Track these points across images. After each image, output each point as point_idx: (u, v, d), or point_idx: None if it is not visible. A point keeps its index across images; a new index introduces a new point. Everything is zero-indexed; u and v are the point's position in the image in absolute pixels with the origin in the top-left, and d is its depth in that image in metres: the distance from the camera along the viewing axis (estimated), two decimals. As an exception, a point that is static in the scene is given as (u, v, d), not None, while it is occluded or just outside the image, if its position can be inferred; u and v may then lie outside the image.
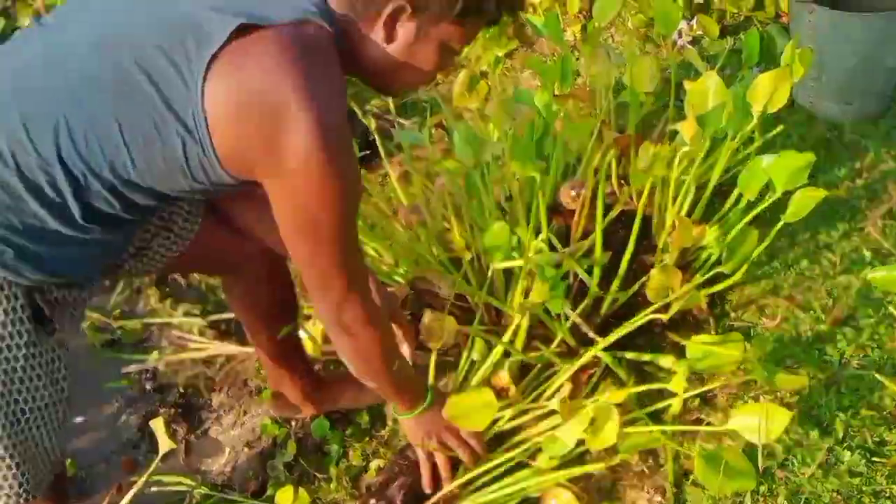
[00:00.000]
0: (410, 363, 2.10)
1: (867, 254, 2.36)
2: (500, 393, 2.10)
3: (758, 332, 2.23)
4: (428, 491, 2.03)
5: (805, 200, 2.03)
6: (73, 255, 1.54)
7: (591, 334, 2.09)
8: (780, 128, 2.47)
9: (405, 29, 1.49)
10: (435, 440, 2.00)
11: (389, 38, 1.50)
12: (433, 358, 2.13)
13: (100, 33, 1.46)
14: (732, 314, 2.30)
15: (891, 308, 2.12)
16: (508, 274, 2.30)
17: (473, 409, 1.96)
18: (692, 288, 2.22)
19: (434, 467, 2.04)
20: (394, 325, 2.06)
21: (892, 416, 1.96)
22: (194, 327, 2.73)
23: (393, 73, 1.58)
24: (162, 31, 1.41)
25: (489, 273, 2.21)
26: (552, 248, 2.21)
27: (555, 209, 2.42)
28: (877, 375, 2.02)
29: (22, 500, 1.66)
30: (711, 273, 2.19)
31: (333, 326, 1.68)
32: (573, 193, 2.40)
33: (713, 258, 2.21)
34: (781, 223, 2.09)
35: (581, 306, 2.16)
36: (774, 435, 1.76)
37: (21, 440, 1.62)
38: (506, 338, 2.11)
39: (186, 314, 2.79)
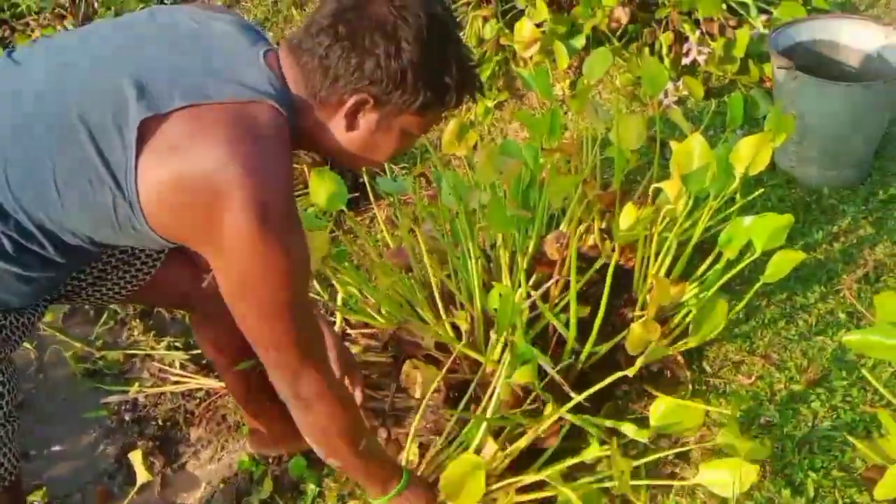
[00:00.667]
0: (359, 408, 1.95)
1: (842, 316, 2.41)
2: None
3: (733, 390, 2.26)
4: None
5: (783, 262, 2.08)
6: (9, 285, 1.53)
7: (567, 389, 2.11)
8: (760, 190, 2.54)
9: (366, 120, 1.50)
10: None
11: (350, 127, 1.51)
12: (412, 430, 2.13)
13: (59, 75, 1.47)
14: (709, 370, 2.33)
15: (864, 371, 2.16)
16: (488, 322, 2.33)
17: (465, 478, 1.86)
18: (664, 343, 2.26)
19: None
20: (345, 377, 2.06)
21: (863, 478, 1.99)
22: (176, 360, 2.75)
23: (352, 157, 1.59)
24: (114, 85, 1.41)
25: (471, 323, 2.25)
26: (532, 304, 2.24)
27: (539, 259, 2.47)
28: (848, 437, 2.05)
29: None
30: (680, 329, 2.24)
31: (290, 400, 1.64)
32: (557, 245, 2.45)
33: (691, 315, 2.25)
34: (760, 283, 2.14)
35: (560, 364, 2.18)
36: (743, 489, 1.80)
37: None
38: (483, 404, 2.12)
39: (169, 347, 2.80)
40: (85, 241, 1.52)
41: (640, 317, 2.24)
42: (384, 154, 1.60)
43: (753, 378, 2.28)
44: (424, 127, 1.57)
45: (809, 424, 2.15)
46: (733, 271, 2.19)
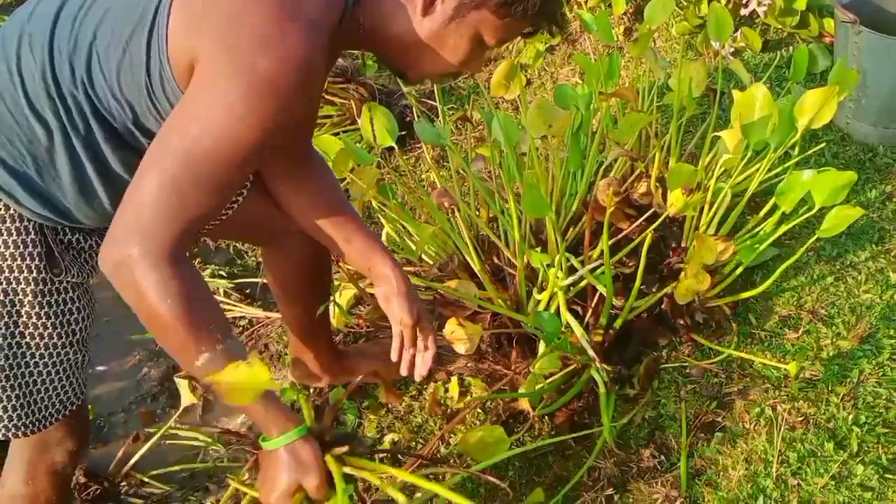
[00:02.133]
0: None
1: (892, 275, 2.38)
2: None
3: (779, 343, 2.25)
4: None
5: (841, 217, 2.06)
6: (70, 201, 1.52)
7: (593, 354, 2.12)
8: (821, 145, 2.49)
9: (445, 5, 1.43)
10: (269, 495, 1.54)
11: (426, 10, 1.43)
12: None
13: None
14: (755, 322, 2.32)
15: (913, 331, 2.15)
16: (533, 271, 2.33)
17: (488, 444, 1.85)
18: (713, 294, 2.26)
19: None
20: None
21: (907, 436, 1.99)
22: (220, 289, 2.77)
23: (417, 54, 1.50)
24: None
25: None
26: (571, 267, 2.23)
27: (591, 205, 2.45)
28: (895, 394, 2.04)
29: (5, 436, 1.66)
30: (730, 280, 2.24)
31: (114, 269, 1.35)
32: (609, 191, 2.43)
33: (741, 267, 2.24)
34: (815, 237, 2.12)
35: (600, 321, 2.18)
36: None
37: (22, 381, 1.62)
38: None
39: (213, 275, 2.82)
40: (130, 124, 1.44)
41: (688, 267, 2.23)
42: (450, 55, 1.49)
43: (800, 333, 2.27)
44: (497, 34, 1.47)
45: (855, 381, 2.13)
46: (788, 225, 2.16)
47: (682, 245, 2.34)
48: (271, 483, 1.52)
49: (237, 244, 2.93)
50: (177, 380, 2.38)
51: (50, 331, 1.61)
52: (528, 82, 3.44)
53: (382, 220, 2.54)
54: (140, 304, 1.33)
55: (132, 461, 2.31)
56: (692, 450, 2.09)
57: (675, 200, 2.12)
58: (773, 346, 2.26)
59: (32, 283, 1.56)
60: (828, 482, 1.92)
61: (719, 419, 2.13)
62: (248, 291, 2.77)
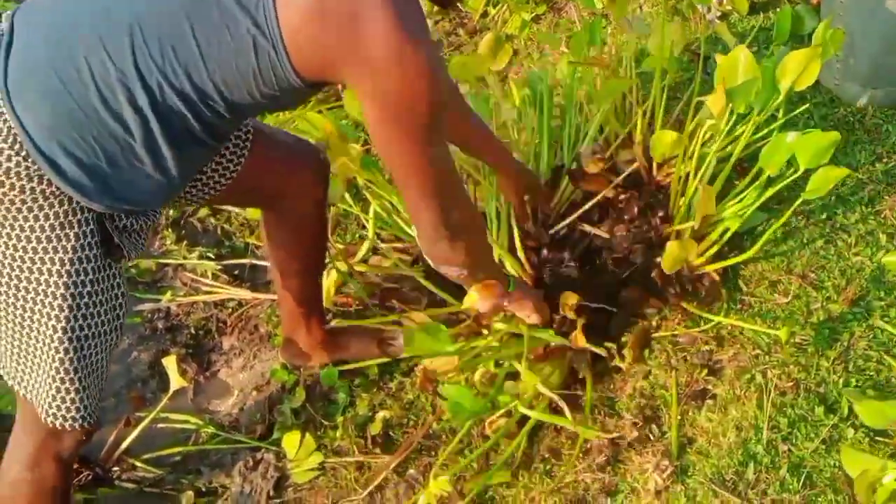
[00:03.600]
0: None
1: (882, 237, 2.36)
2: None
3: (769, 308, 2.24)
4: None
5: (825, 178, 2.04)
6: (144, 185, 1.56)
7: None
8: (804, 106, 2.47)
9: None
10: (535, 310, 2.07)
11: None
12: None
13: None
14: (745, 288, 2.30)
15: (903, 292, 2.14)
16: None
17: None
18: (701, 261, 2.24)
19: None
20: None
21: (898, 398, 1.98)
22: (208, 270, 2.75)
23: None
24: None
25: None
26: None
27: (577, 174, 2.43)
28: (885, 356, 2.03)
29: (81, 426, 1.71)
30: (717, 247, 2.23)
31: (442, 230, 1.67)
32: (594, 157, 2.42)
33: (729, 233, 2.22)
34: (801, 199, 2.10)
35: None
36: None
37: (84, 364, 1.66)
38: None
39: (201, 257, 2.80)
40: (226, 112, 1.51)
41: (679, 232, 2.22)
42: None
43: (790, 297, 2.25)
44: None
45: (845, 344, 2.12)
46: (775, 188, 2.15)
47: (669, 213, 2.31)
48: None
49: (225, 225, 2.91)
50: (165, 363, 2.37)
51: (103, 317, 1.66)
52: (515, 52, 3.40)
53: (369, 196, 2.51)
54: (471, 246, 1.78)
55: (123, 446, 2.31)
56: (683, 418, 2.08)
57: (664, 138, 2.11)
58: (764, 311, 2.24)
59: (91, 273, 1.60)
60: (818, 446, 1.92)
61: (710, 387, 2.13)
62: (236, 273, 2.76)
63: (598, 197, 2.34)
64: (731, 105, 2.07)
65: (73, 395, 1.67)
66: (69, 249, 1.55)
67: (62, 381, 1.65)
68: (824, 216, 2.45)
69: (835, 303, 2.21)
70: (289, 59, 1.42)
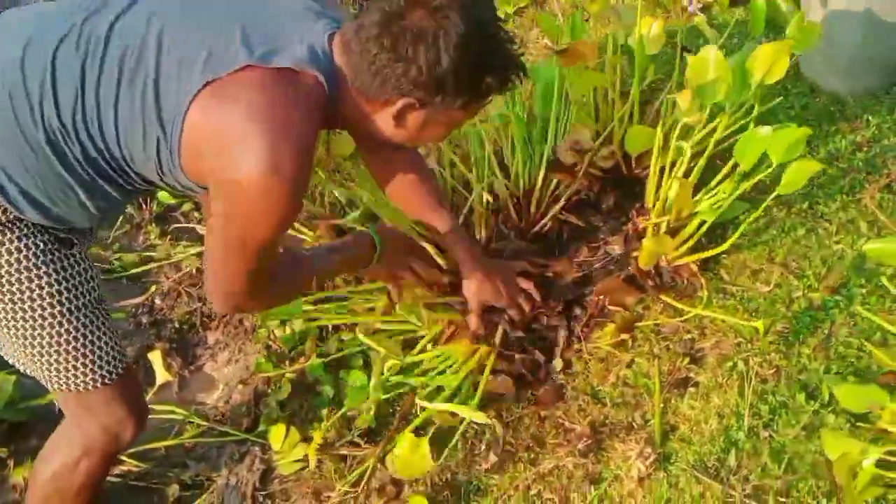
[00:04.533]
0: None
1: (863, 225, 2.38)
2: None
3: (751, 297, 2.25)
4: None
5: (800, 172, 2.05)
6: (78, 211, 1.69)
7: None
8: (778, 99, 2.48)
9: (413, 118, 1.62)
10: (407, 273, 2.15)
11: (398, 125, 1.63)
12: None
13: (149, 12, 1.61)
14: (727, 277, 2.32)
15: (883, 279, 2.14)
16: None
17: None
18: (678, 254, 2.26)
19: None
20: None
21: (879, 384, 1.98)
22: (193, 265, 2.75)
23: (397, 142, 1.73)
24: (186, 43, 1.56)
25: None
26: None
27: (554, 166, 2.45)
28: (866, 343, 2.05)
29: (115, 377, 1.82)
30: (694, 240, 2.25)
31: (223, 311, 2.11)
32: (571, 150, 2.43)
33: (705, 226, 2.23)
34: (774, 194, 2.11)
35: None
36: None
37: (87, 328, 1.76)
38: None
39: (185, 250, 2.80)
40: (134, 176, 1.68)
41: (656, 225, 2.23)
42: (431, 140, 1.80)
43: (772, 286, 2.27)
44: (471, 115, 1.72)
45: (826, 331, 2.14)
46: (749, 183, 2.16)
47: (646, 205, 2.32)
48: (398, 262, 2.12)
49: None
50: (150, 357, 2.37)
51: (87, 285, 1.78)
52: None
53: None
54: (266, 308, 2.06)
55: (109, 440, 2.31)
56: (666, 406, 2.09)
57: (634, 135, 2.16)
58: (746, 300, 2.26)
59: (59, 252, 1.72)
60: (799, 433, 1.93)
61: (692, 375, 2.14)
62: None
63: (572, 187, 2.38)
64: (700, 102, 2.07)
65: (91, 355, 1.77)
66: (23, 248, 1.68)
67: (74, 349, 1.76)
68: (806, 205, 2.47)
69: (816, 291, 2.23)
70: (180, 163, 1.59)
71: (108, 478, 2.26)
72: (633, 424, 2.10)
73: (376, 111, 1.63)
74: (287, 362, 2.48)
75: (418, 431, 2.12)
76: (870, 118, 2.75)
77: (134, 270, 2.83)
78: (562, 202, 2.42)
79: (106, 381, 1.81)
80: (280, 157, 1.49)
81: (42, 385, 1.84)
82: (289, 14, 1.64)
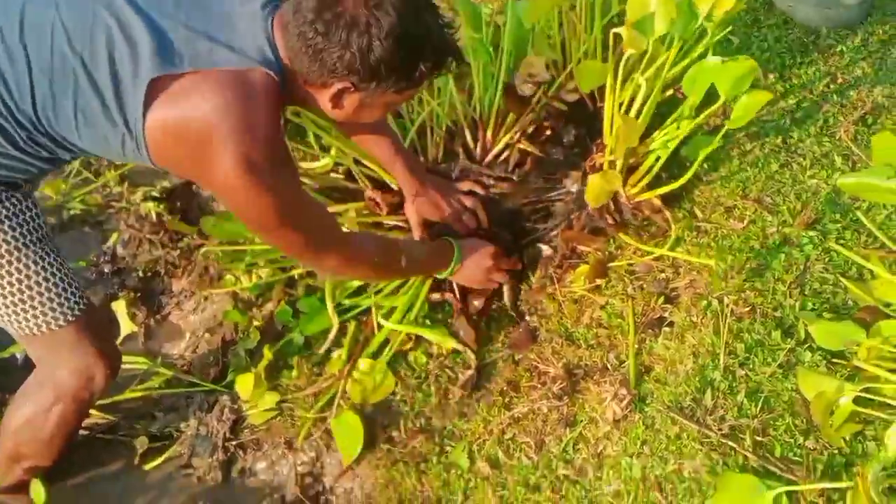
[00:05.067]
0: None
1: (838, 159, 2.34)
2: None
3: (724, 234, 2.22)
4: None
5: (750, 104, 2.01)
6: (18, 167, 1.72)
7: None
8: (728, 29, 2.40)
9: (350, 101, 1.68)
10: (485, 282, 2.23)
11: (336, 106, 1.69)
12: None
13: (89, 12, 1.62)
14: (700, 215, 2.28)
15: (858, 213, 2.12)
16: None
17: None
18: (636, 191, 2.22)
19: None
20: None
21: (854, 319, 1.96)
22: (152, 210, 2.67)
23: (342, 123, 1.96)
24: (137, 34, 1.59)
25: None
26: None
27: (510, 95, 2.40)
28: (841, 279, 2.03)
29: (77, 313, 1.84)
30: (651, 176, 2.22)
31: (330, 275, 2.12)
32: (528, 82, 2.38)
33: (660, 162, 2.19)
34: (724, 129, 2.07)
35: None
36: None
37: (38, 265, 1.78)
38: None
39: (145, 197, 2.72)
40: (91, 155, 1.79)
41: (612, 162, 2.19)
42: (371, 119, 1.84)
43: (745, 222, 2.23)
44: (409, 97, 1.81)
45: (801, 267, 2.11)
46: (700, 118, 2.12)
47: (603, 141, 2.27)
48: (479, 275, 2.21)
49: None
50: (114, 307, 2.31)
51: (37, 222, 1.80)
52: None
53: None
54: (363, 277, 2.21)
55: (74, 393, 2.25)
56: (641, 347, 2.07)
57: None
58: (720, 237, 2.22)
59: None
60: (775, 371, 1.91)
61: (667, 314, 2.11)
62: (179, 209, 2.67)
63: (528, 117, 2.37)
64: (642, 35, 2.01)
65: (47, 292, 1.79)
66: None
67: (28, 287, 1.77)
68: (779, 139, 2.43)
69: (790, 226, 2.20)
70: (151, 159, 1.64)
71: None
72: (608, 366, 2.07)
73: (317, 92, 1.67)
74: (254, 309, 2.43)
75: (376, 356, 2.21)
76: (843, 49, 2.71)
77: (92, 219, 2.75)
78: (514, 130, 2.39)
79: (69, 317, 1.82)
80: (248, 151, 1.57)
81: (2, 337, 1.87)
82: (230, 8, 1.66)
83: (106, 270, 2.60)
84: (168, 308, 2.53)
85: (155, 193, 2.73)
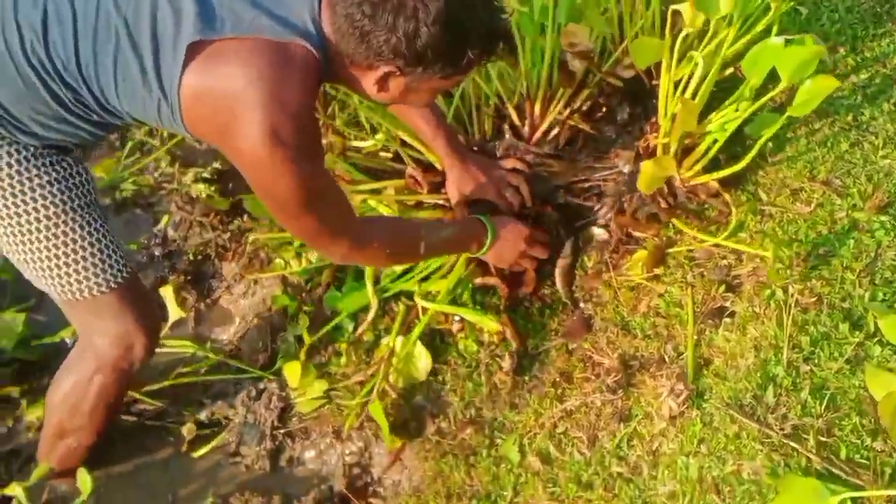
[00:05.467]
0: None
1: (913, 137, 2.22)
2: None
3: (791, 219, 2.11)
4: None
5: (816, 91, 1.89)
6: (72, 136, 1.74)
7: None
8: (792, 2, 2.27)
9: (395, 84, 1.64)
10: (514, 263, 2.18)
11: (381, 89, 1.65)
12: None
13: None
14: (765, 198, 2.17)
15: (934, 196, 2.00)
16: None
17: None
18: (691, 174, 2.12)
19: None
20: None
21: (928, 311, 1.86)
22: (203, 192, 2.64)
23: (387, 105, 1.96)
24: None
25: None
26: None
27: (561, 71, 2.31)
28: (915, 267, 1.92)
29: (120, 280, 1.85)
30: (708, 159, 2.12)
31: (339, 260, 1.98)
32: (578, 58, 2.28)
33: (717, 145, 2.09)
34: (784, 117, 1.95)
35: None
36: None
37: (84, 230, 1.80)
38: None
39: (196, 179, 2.69)
40: (130, 120, 1.75)
41: (665, 145, 2.09)
42: (418, 104, 1.85)
43: (813, 206, 2.12)
44: (456, 83, 1.78)
45: (872, 254, 1.99)
46: (759, 102, 2.00)
47: (658, 121, 2.16)
48: (510, 255, 2.15)
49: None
50: (162, 293, 2.30)
51: (89, 186, 1.83)
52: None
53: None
54: (377, 263, 2.17)
55: (124, 379, 2.25)
56: (700, 338, 1.98)
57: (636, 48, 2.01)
58: (785, 222, 2.11)
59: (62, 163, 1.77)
60: (842, 366, 1.81)
61: (728, 304, 2.02)
62: (232, 192, 2.65)
63: (580, 94, 2.29)
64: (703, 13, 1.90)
65: (91, 258, 1.80)
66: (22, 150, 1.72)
67: (73, 251, 1.79)
68: (850, 117, 2.30)
69: (860, 210, 2.08)
70: (184, 124, 1.63)
71: (123, 416, 2.23)
72: (665, 358, 1.99)
73: (361, 74, 1.64)
74: (304, 294, 2.40)
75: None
76: (922, 18, 2.56)
77: (144, 201, 2.74)
78: (559, 106, 2.31)
79: (111, 284, 1.84)
80: (277, 125, 1.55)
81: (53, 321, 1.96)
82: None
83: (157, 253, 2.59)
84: (218, 292, 2.51)
85: (206, 175, 2.70)
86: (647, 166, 1.99)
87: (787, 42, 1.88)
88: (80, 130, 1.73)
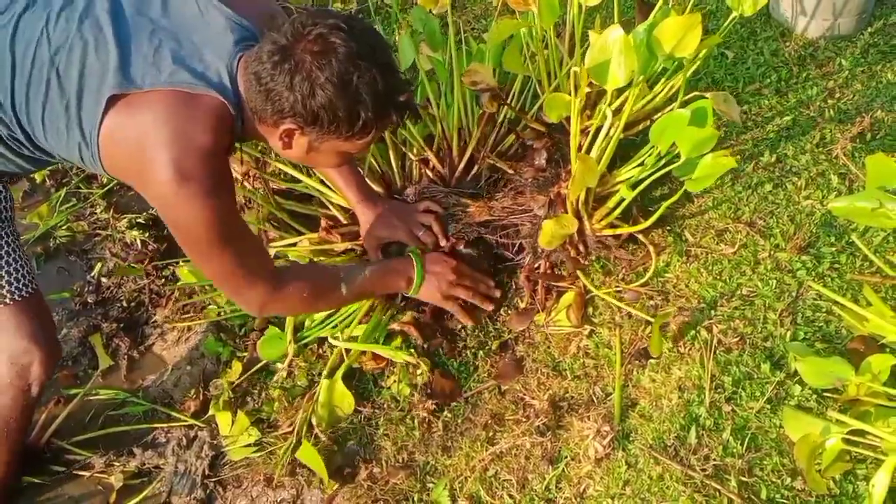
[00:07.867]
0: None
1: (834, 179, 2.26)
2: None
3: (715, 259, 2.14)
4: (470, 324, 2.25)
5: (712, 169, 1.89)
6: (2, 164, 1.83)
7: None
8: (694, 67, 2.31)
9: (298, 143, 1.72)
10: (449, 301, 2.19)
11: (286, 146, 1.73)
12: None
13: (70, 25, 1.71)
14: (690, 238, 2.21)
15: (853, 236, 2.04)
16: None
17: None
18: (600, 227, 2.16)
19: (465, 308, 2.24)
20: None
21: (849, 351, 1.89)
22: (137, 239, 2.63)
23: (297, 161, 1.99)
24: (106, 50, 1.67)
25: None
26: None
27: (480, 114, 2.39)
28: (834, 307, 1.95)
29: (12, 299, 1.91)
30: (614, 216, 2.16)
31: (255, 311, 1.99)
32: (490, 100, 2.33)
33: (623, 204, 2.11)
34: (682, 190, 1.96)
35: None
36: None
37: (6, 242, 1.91)
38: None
39: (130, 225, 2.68)
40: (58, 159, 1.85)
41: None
42: (325, 166, 2.02)
43: (737, 247, 2.15)
44: (359, 147, 1.75)
45: (794, 294, 2.04)
46: (660, 171, 2.02)
47: (569, 168, 2.19)
48: (444, 288, 2.16)
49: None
50: (92, 342, 2.27)
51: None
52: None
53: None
54: (297, 310, 2.13)
55: (53, 427, 2.23)
56: (627, 379, 2.00)
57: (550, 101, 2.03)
58: (710, 262, 2.15)
59: None
60: (763, 406, 1.84)
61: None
62: (165, 233, 2.63)
63: (490, 135, 2.37)
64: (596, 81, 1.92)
65: (2, 271, 1.89)
66: None
67: None
68: (773, 158, 2.35)
69: (783, 251, 2.12)
70: (103, 167, 1.72)
71: (52, 466, 2.20)
72: (594, 399, 2.01)
73: (268, 131, 1.72)
74: (237, 340, 2.39)
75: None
76: (842, 62, 2.62)
77: (78, 248, 2.72)
78: (475, 145, 2.37)
79: (15, 296, 1.91)
80: (182, 160, 1.62)
81: None
82: (208, 32, 1.72)
83: (90, 301, 2.56)
84: (151, 339, 2.48)
85: (140, 220, 2.69)
86: (547, 225, 2.01)
87: (688, 118, 1.89)
88: (12, 164, 1.83)
